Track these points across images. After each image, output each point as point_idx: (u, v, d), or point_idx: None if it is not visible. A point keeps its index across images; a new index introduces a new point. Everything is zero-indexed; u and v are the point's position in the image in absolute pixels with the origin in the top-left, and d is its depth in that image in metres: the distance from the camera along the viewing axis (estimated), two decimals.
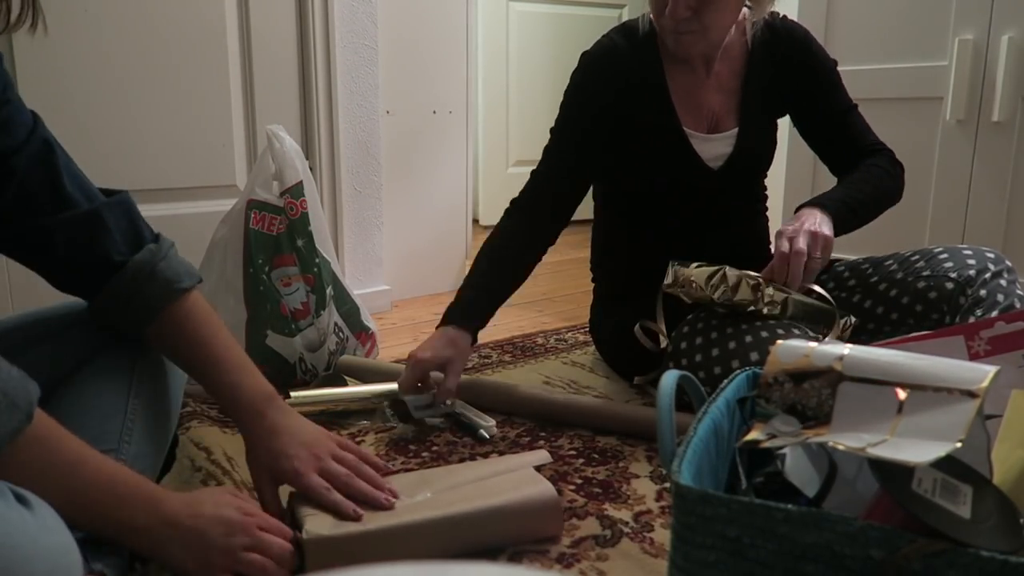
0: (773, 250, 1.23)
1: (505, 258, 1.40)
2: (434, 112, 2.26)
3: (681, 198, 1.44)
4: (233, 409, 0.91)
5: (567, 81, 1.45)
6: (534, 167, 1.46)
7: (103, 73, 1.66)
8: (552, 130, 1.47)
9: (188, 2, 1.74)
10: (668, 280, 1.28)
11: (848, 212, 1.30)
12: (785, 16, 1.46)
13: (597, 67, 1.41)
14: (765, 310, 1.21)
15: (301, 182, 1.50)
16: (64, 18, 1.59)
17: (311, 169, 1.72)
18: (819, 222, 1.23)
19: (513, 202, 1.46)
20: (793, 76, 1.45)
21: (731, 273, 1.22)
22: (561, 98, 1.46)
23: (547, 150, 1.46)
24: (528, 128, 3.53)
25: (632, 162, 1.44)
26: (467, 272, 1.41)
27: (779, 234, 1.23)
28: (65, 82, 1.61)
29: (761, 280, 1.21)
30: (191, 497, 0.80)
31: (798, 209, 1.30)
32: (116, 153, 1.70)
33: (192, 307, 0.93)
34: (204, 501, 0.79)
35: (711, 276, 1.22)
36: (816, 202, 1.30)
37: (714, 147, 1.42)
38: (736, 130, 1.43)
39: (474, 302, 1.34)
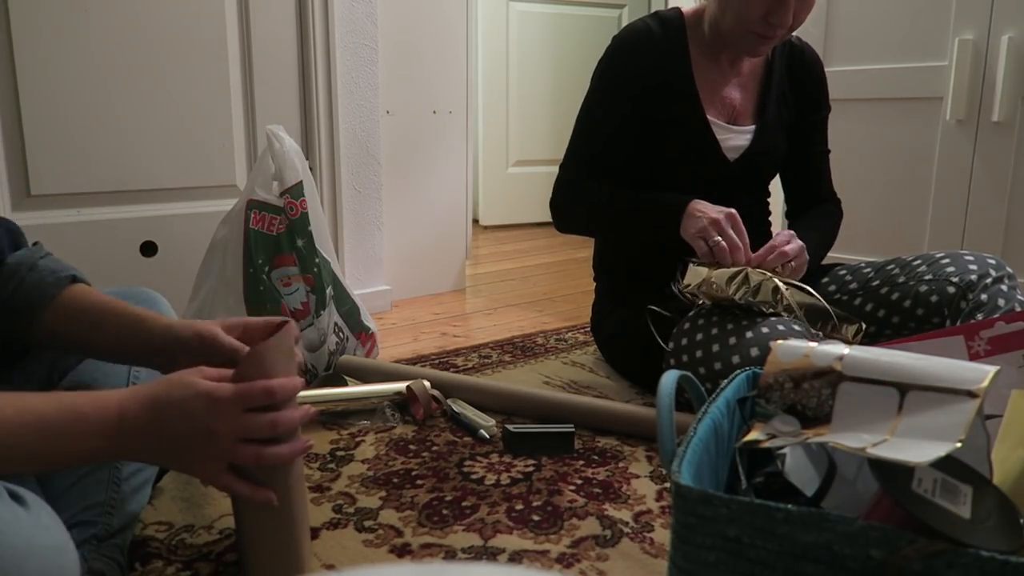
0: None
1: (614, 191, 1.46)
2: (434, 112, 2.26)
3: (695, 190, 1.46)
4: (178, 337, 0.84)
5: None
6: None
7: (103, 74, 1.66)
8: (579, 119, 1.50)
9: (188, 3, 1.74)
10: (686, 280, 1.27)
11: (815, 260, 1.41)
12: (802, 40, 1.52)
13: (631, 50, 1.44)
14: (784, 313, 1.22)
15: (301, 182, 1.51)
16: (64, 19, 1.59)
17: (311, 169, 1.72)
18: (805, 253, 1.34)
19: (552, 203, 1.51)
20: (803, 98, 1.53)
21: (754, 274, 1.22)
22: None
23: (578, 142, 1.50)
24: (528, 128, 3.52)
25: (654, 149, 1.47)
26: (595, 211, 1.46)
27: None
28: (65, 83, 1.61)
29: (780, 283, 1.22)
30: (152, 402, 0.72)
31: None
32: (116, 153, 1.70)
33: (88, 289, 0.87)
34: (167, 404, 0.72)
35: (732, 277, 1.23)
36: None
37: (734, 138, 1.46)
38: (754, 127, 1.48)
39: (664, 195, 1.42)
